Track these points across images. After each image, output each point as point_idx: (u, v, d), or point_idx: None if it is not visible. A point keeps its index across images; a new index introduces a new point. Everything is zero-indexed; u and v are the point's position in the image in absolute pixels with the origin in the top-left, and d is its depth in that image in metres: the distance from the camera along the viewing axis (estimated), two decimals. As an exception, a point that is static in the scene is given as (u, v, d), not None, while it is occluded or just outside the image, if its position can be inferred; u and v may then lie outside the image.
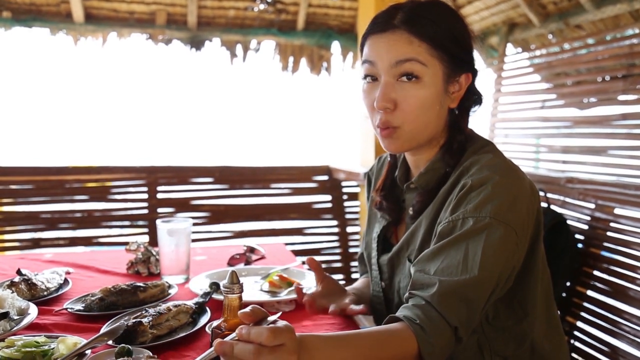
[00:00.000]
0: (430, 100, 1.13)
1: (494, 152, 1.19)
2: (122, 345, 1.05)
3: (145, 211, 3.49)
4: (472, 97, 1.24)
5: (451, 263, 1.04)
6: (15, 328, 1.20)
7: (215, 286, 1.48)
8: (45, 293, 1.50)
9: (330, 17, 4.25)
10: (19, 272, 1.59)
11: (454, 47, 1.15)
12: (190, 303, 1.32)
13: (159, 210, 3.51)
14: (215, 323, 0.94)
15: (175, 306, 1.27)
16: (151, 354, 1.01)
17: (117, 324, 1.15)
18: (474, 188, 1.08)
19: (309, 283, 1.55)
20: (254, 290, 1.54)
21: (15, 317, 1.25)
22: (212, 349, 0.82)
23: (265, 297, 1.46)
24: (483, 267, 1.01)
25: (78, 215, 3.45)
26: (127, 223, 3.46)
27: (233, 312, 0.93)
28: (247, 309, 0.86)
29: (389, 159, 1.40)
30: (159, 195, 3.55)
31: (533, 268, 1.16)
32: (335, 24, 4.29)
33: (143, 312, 1.24)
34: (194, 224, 3.53)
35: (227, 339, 0.82)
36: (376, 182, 1.44)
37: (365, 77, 1.18)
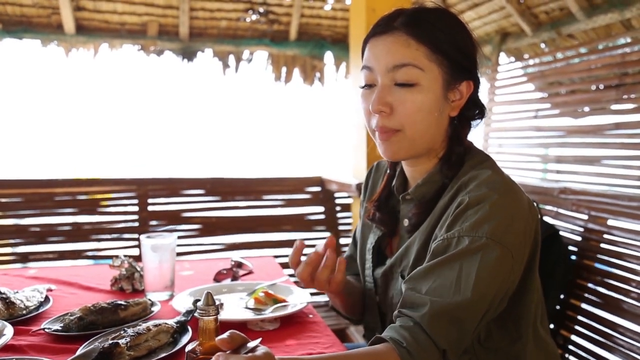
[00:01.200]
0: (427, 105, 1.11)
1: (492, 168, 1.16)
2: (96, 369, 1.02)
3: (136, 224, 3.45)
4: (474, 108, 1.21)
5: (444, 283, 1.01)
6: (-10, 350, 1.17)
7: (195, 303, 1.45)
8: (24, 312, 1.46)
9: (322, 27, 4.25)
10: (-4, 290, 1.56)
11: (455, 52, 1.12)
12: (172, 322, 1.29)
13: (150, 222, 3.48)
14: (190, 346, 0.91)
15: (156, 326, 1.24)
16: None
17: (92, 346, 1.12)
18: (471, 206, 1.05)
19: (295, 299, 1.53)
20: (238, 307, 1.51)
21: (-10, 339, 1.22)
22: None
23: (250, 315, 1.43)
24: (477, 289, 0.99)
25: (67, 228, 3.41)
26: (117, 236, 3.42)
27: (209, 335, 0.89)
28: (225, 335, 0.83)
29: (388, 171, 1.37)
30: (150, 208, 3.51)
31: (528, 289, 1.14)
32: (327, 34, 4.29)
33: (121, 332, 1.20)
34: (185, 237, 3.53)
35: None
36: (372, 192, 1.41)
37: (364, 85, 1.17)
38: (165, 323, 1.27)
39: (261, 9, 4.05)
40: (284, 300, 1.52)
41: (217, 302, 1.48)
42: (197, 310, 0.91)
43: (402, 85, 1.10)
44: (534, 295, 1.16)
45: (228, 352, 0.81)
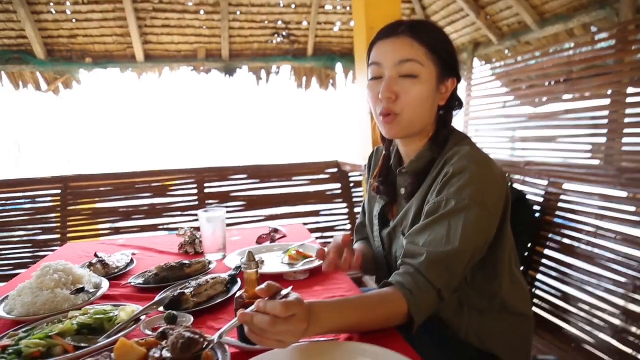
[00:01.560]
0: (425, 95, 1.08)
1: (471, 145, 1.13)
2: (170, 311, 1.03)
3: (196, 203, 3.49)
4: (455, 100, 1.18)
5: (436, 237, 1.00)
6: (92, 299, 1.19)
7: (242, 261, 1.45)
8: (116, 271, 1.49)
9: (333, 44, 4.19)
10: (96, 255, 1.59)
11: (445, 54, 1.10)
12: (225, 275, 1.29)
13: (207, 201, 3.51)
14: (238, 294, 0.91)
15: (213, 278, 1.24)
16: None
17: (165, 294, 1.13)
18: (455, 175, 1.03)
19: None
20: (276, 263, 1.51)
21: (92, 290, 1.24)
22: (236, 319, 0.79)
23: (285, 269, 1.43)
24: (463, 240, 0.97)
25: (145, 208, 3.46)
26: (182, 213, 3.46)
27: (252, 285, 0.90)
28: (263, 285, 0.83)
29: (384, 152, 1.35)
30: (206, 190, 3.54)
31: (503, 238, 1.11)
32: (337, 49, 4.23)
33: (187, 284, 1.22)
34: (233, 212, 3.55)
35: (248, 310, 0.79)
36: (374, 170, 1.39)
37: (372, 78, 1.13)
38: (220, 276, 1.27)
39: (284, 33, 4.02)
40: (311, 257, 1.51)
41: (258, 259, 1.51)
42: (242, 265, 0.91)
43: (406, 77, 1.07)
44: (508, 243, 1.13)
45: (266, 298, 0.80)
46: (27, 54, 3.69)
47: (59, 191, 3.33)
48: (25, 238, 3.23)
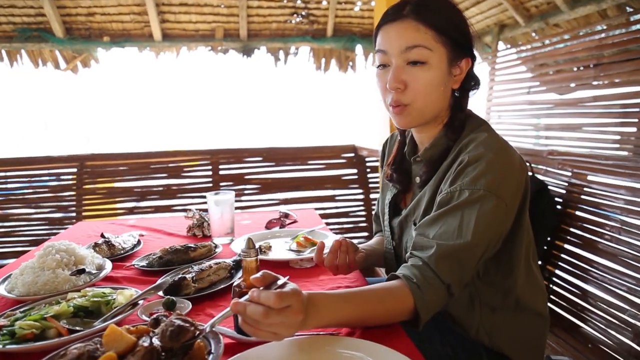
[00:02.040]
0: (436, 80, 1.02)
1: (488, 131, 1.06)
2: (168, 297, 1.01)
3: (211, 184, 3.49)
4: (471, 80, 1.10)
5: (448, 229, 0.94)
6: (93, 280, 1.18)
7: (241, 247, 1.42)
8: (121, 252, 1.49)
9: (353, 24, 4.09)
10: (102, 235, 1.59)
11: (456, 33, 1.02)
12: (229, 261, 1.27)
13: (221, 183, 3.50)
14: (236, 282, 0.88)
15: (216, 264, 1.22)
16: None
17: (165, 278, 1.11)
18: (470, 163, 0.97)
19: (329, 242, 1.48)
20: (283, 249, 1.48)
21: (94, 272, 1.23)
22: (229, 308, 0.76)
23: (292, 256, 1.40)
24: (476, 233, 0.92)
25: (160, 189, 3.48)
26: (196, 194, 3.47)
27: (251, 273, 0.86)
28: (258, 274, 0.79)
29: (399, 137, 1.29)
30: (221, 172, 3.54)
31: (519, 232, 1.05)
32: (357, 30, 4.13)
33: (189, 268, 1.20)
34: (248, 194, 3.54)
35: (242, 299, 0.75)
36: (388, 157, 1.34)
37: (379, 65, 1.07)
38: (224, 261, 1.25)
39: (303, 13, 3.93)
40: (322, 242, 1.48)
41: (265, 244, 1.48)
42: (240, 253, 0.88)
43: (414, 64, 1.01)
44: (524, 237, 1.07)
45: (261, 288, 0.77)
46: (46, 32, 3.71)
47: (75, 170, 3.36)
48: (41, 215, 3.28)
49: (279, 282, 0.78)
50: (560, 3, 2.50)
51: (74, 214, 3.30)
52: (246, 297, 0.75)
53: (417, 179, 1.15)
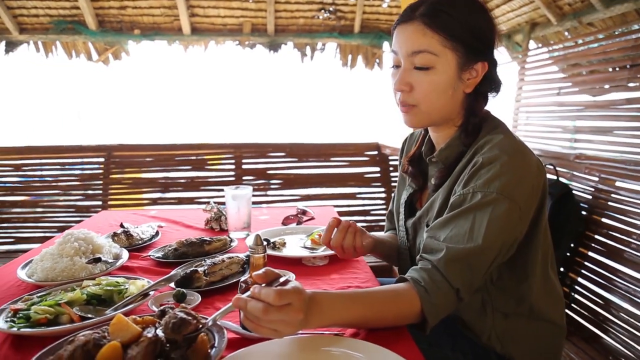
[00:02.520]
0: (442, 85, 1.00)
1: (505, 132, 1.03)
2: (178, 289, 1.03)
3: (233, 178, 3.52)
4: (489, 84, 1.07)
5: (459, 232, 0.93)
6: (109, 269, 1.21)
7: (265, 242, 1.43)
8: (139, 242, 1.52)
9: (381, 21, 4.06)
10: (121, 225, 1.62)
11: (470, 38, 0.99)
12: (242, 255, 1.27)
13: (244, 177, 3.53)
14: (243, 278, 0.89)
15: (229, 258, 1.23)
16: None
17: (177, 271, 1.13)
18: (484, 165, 0.95)
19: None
20: (297, 246, 1.48)
21: (110, 261, 1.26)
22: (230, 303, 0.76)
23: (305, 253, 1.40)
24: (487, 237, 0.90)
25: (184, 181, 3.53)
26: (219, 187, 3.51)
27: (257, 269, 0.86)
28: (261, 271, 0.80)
29: (422, 132, 1.28)
30: (244, 166, 3.57)
31: (535, 237, 1.02)
32: (385, 26, 4.09)
33: (202, 261, 1.21)
34: (270, 189, 3.57)
35: (244, 295, 0.76)
36: (408, 151, 1.33)
37: (393, 66, 1.08)
38: (237, 256, 1.25)
39: (331, 8, 3.92)
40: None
41: (281, 241, 1.49)
42: (248, 249, 0.88)
43: (420, 68, 1.00)
44: (540, 243, 1.04)
45: (263, 285, 0.77)
46: (80, 24, 3.81)
47: (102, 159, 3.45)
48: (69, 202, 3.38)
49: (281, 280, 0.78)
50: (595, 1, 2.41)
51: (100, 202, 3.39)
52: (248, 293, 0.76)
53: (432, 181, 1.14)
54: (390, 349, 0.77)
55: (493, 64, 1.06)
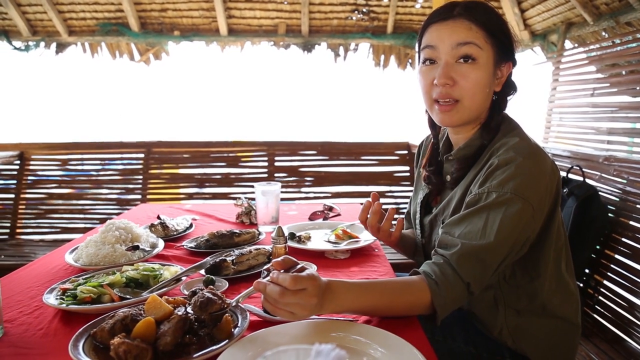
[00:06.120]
0: (484, 80, 1.04)
1: (520, 135, 1.07)
2: (208, 276, 1.11)
3: (266, 175, 3.62)
4: (510, 86, 1.12)
5: (472, 229, 0.97)
6: (146, 256, 1.31)
7: (290, 235, 1.50)
8: (174, 233, 1.62)
9: (413, 22, 4.06)
10: (158, 217, 1.73)
11: (503, 37, 1.05)
12: (269, 247, 1.34)
13: (276, 174, 3.62)
14: (265, 266, 0.96)
15: (257, 249, 1.30)
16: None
17: (206, 260, 1.21)
18: (500, 167, 0.99)
19: (368, 237, 1.53)
20: (321, 240, 1.54)
21: (147, 249, 1.36)
22: (252, 287, 0.84)
23: (328, 246, 1.46)
24: (499, 234, 0.94)
25: (219, 177, 3.66)
26: (252, 184, 3.61)
27: (278, 257, 0.94)
28: (280, 259, 0.87)
29: (432, 140, 1.32)
30: (276, 164, 3.66)
31: (547, 237, 1.05)
32: (418, 27, 4.07)
33: (231, 252, 1.29)
34: (301, 186, 3.65)
35: (263, 280, 0.83)
36: (422, 159, 1.37)
37: (425, 61, 1.09)
38: (264, 248, 1.33)
39: (364, 9, 3.96)
40: (357, 237, 1.53)
41: (306, 235, 1.56)
42: (271, 239, 0.95)
43: (465, 60, 1.03)
44: (553, 242, 1.06)
45: (282, 271, 0.84)
46: (124, 26, 4.00)
47: (142, 155, 3.63)
48: (112, 196, 3.57)
49: (298, 267, 0.85)
50: (633, 0, 2.35)
51: (139, 196, 3.56)
52: (267, 277, 0.83)
53: (448, 177, 1.18)
54: (398, 336, 0.82)
55: (514, 65, 1.10)
